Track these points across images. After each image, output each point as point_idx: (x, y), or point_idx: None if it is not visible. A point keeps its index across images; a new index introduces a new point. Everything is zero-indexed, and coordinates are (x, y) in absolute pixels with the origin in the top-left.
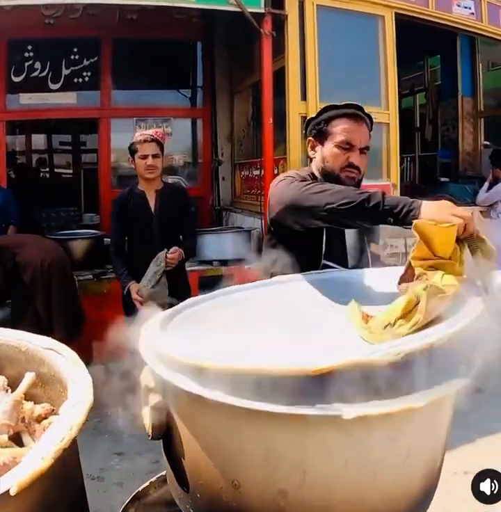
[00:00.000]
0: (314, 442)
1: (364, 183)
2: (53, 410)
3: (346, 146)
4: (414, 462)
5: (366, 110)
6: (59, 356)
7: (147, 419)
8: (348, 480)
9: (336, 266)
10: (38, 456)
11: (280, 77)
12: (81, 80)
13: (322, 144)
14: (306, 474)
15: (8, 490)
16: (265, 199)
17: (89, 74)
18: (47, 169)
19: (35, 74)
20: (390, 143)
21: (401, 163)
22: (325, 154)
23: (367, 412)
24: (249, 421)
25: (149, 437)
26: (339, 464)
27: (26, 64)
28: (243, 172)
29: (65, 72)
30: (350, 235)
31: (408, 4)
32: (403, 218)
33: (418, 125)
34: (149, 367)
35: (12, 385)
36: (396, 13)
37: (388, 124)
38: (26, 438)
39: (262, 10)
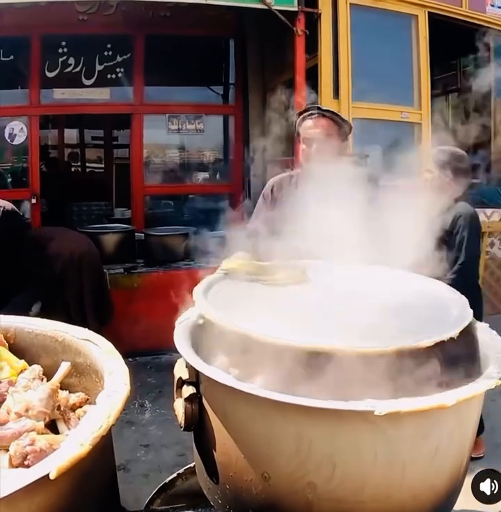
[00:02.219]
0: (345, 436)
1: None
2: (87, 399)
3: (307, 141)
4: (442, 459)
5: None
6: (95, 347)
7: (179, 410)
8: (377, 476)
9: None
10: (77, 442)
11: (312, 75)
12: (114, 76)
13: (300, 141)
14: (336, 467)
15: (48, 474)
16: None
17: (122, 70)
18: (79, 163)
19: (69, 69)
20: (422, 143)
21: None
22: (300, 149)
23: (398, 408)
24: (282, 414)
25: (181, 429)
26: (369, 459)
27: (60, 59)
28: (275, 170)
29: (99, 67)
30: None
31: (442, 4)
32: None
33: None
34: (183, 359)
35: (48, 374)
36: (429, 12)
37: (420, 124)
38: (61, 426)
39: (295, 8)
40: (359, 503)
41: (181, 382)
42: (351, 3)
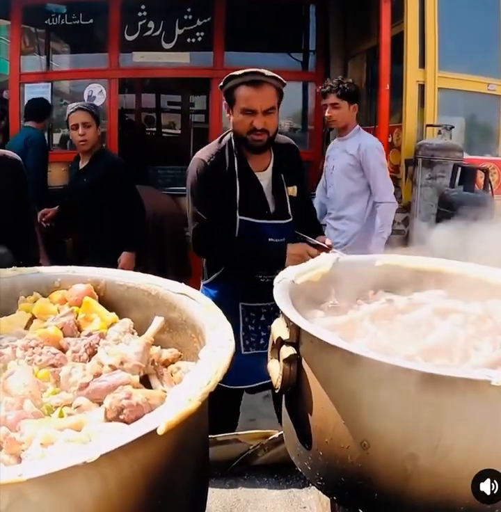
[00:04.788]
0: (454, 407)
1: (481, 157)
2: (180, 355)
3: (248, 112)
4: None
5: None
6: (192, 301)
7: (276, 371)
8: (481, 453)
9: (251, 220)
10: (185, 397)
11: (397, 43)
12: (194, 40)
13: (232, 110)
14: (440, 440)
15: (155, 429)
16: None
17: (202, 34)
18: (155, 128)
19: (149, 33)
20: None
21: None
22: (234, 120)
23: None
24: (390, 379)
25: (276, 391)
26: (476, 434)
27: (140, 23)
28: None
29: (178, 31)
30: (267, 184)
31: None
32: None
33: None
34: (282, 319)
35: (138, 329)
36: None
37: None
38: (154, 381)
39: None
40: (458, 480)
41: (280, 343)
42: None
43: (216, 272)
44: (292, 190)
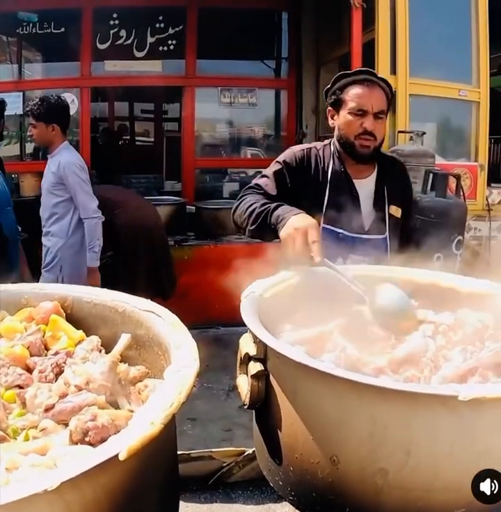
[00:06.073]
0: (422, 422)
1: (453, 162)
2: (148, 373)
3: (359, 112)
4: None
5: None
6: (159, 318)
7: (244, 387)
8: (452, 465)
9: (340, 231)
10: (147, 421)
11: (369, 50)
12: (166, 48)
13: (338, 113)
14: (410, 454)
15: (117, 455)
16: None
17: (174, 42)
18: (129, 136)
19: (120, 41)
20: (479, 123)
21: None
22: (340, 122)
23: (483, 394)
24: (357, 396)
25: (245, 407)
26: (445, 448)
27: (112, 32)
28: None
29: (150, 40)
30: (366, 198)
31: None
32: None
33: None
34: (250, 334)
35: (105, 346)
36: None
37: (478, 102)
38: (121, 400)
39: None
40: (429, 492)
41: (248, 358)
42: None
43: None
44: (395, 210)
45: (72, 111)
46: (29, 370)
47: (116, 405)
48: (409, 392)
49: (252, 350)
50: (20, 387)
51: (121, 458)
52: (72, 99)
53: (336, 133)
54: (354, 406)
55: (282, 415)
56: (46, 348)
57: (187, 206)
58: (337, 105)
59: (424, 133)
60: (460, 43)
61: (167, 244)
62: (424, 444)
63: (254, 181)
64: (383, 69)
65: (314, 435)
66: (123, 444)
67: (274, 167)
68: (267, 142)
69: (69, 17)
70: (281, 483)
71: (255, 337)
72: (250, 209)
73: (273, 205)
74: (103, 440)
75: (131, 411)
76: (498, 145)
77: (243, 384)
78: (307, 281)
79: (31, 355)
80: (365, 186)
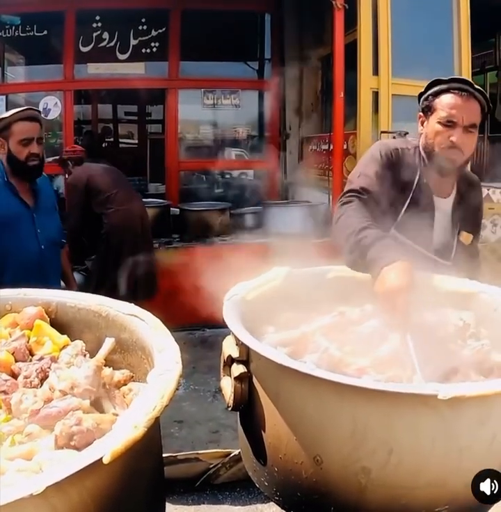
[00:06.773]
0: (404, 421)
1: None
2: (132, 376)
3: (448, 123)
4: (498, 447)
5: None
6: (142, 322)
7: (228, 389)
8: (434, 462)
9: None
10: (130, 424)
11: (351, 51)
12: (149, 50)
13: (428, 119)
14: (392, 453)
15: (101, 458)
16: (333, 174)
17: (157, 44)
18: (112, 139)
19: (103, 44)
20: None
21: None
22: (428, 130)
23: (463, 392)
24: (338, 396)
25: (229, 409)
26: (427, 445)
27: (94, 34)
28: (310, 147)
29: (133, 42)
30: (441, 219)
31: None
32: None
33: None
34: (232, 336)
35: (90, 351)
36: None
37: None
38: (106, 404)
39: None
40: (413, 489)
41: (231, 361)
42: None
43: None
44: (466, 237)
45: (55, 114)
46: (14, 376)
47: (101, 409)
48: (390, 392)
49: (235, 353)
50: (5, 392)
51: (105, 461)
52: (55, 102)
53: (422, 141)
54: (335, 406)
55: (266, 416)
56: (31, 354)
57: (171, 209)
58: (428, 111)
59: (406, 133)
60: (442, 43)
61: (151, 240)
62: (406, 443)
63: (357, 184)
64: (365, 69)
65: (297, 435)
66: (107, 448)
67: (373, 163)
68: (251, 143)
69: (52, 19)
70: (266, 483)
71: (237, 340)
72: (347, 232)
73: (368, 240)
74: (88, 444)
75: (116, 415)
76: (482, 143)
77: (227, 386)
78: (289, 283)
79: (16, 361)
80: (443, 206)
